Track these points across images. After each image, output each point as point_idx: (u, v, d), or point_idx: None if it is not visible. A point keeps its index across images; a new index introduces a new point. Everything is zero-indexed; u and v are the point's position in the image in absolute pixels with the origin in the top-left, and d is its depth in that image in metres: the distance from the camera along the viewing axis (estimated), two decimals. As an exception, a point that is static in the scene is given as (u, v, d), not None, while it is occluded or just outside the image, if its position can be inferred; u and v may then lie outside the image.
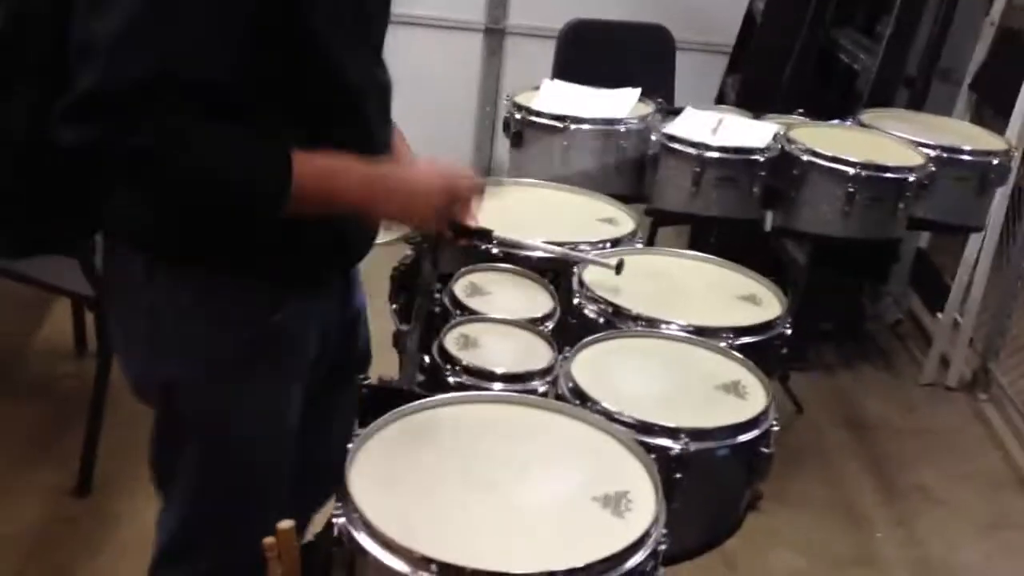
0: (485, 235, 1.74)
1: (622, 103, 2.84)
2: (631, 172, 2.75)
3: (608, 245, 2.01)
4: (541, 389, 1.57)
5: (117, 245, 1.57)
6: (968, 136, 2.98)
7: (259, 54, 1.35)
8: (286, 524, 1.27)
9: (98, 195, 1.50)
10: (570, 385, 1.55)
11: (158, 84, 1.28)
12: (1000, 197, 3.38)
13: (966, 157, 2.78)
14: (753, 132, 2.75)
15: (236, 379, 1.55)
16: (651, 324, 1.76)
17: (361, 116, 1.53)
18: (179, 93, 1.29)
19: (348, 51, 1.46)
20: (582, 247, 1.96)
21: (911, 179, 2.64)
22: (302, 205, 1.39)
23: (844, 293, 3.87)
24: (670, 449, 1.45)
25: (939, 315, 3.81)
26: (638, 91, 2.91)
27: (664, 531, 1.24)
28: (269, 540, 1.26)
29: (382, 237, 1.70)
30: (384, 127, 1.62)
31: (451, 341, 1.64)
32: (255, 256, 1.49)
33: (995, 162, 2.79)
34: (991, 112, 3.76)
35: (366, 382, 1.55)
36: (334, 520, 1.21)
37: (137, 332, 1.57)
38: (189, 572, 1.67)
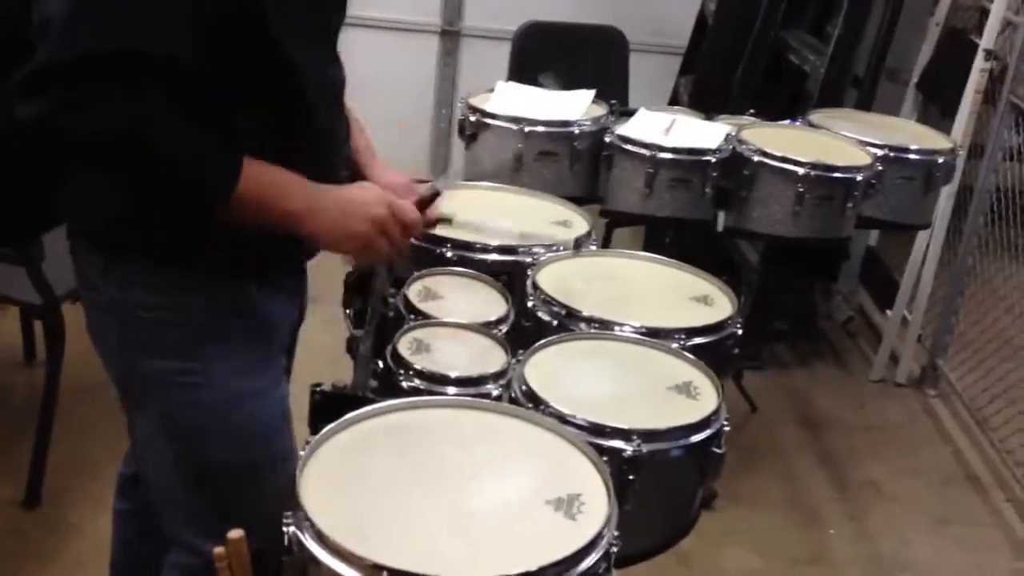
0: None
1: (576, 105, 2.85)
2: (585, 174, 2.76)
3: (562, 247, 2.02)
4: (495, 393, 1.57)
5: (79, 242, 1.56)
6: (915, 135, 3.02)
7: (215, 37, 1.35)
8: (236, 534, 1.27)
9: (56, 183, 1.49)
10: (523, 388, 1.55)
11: (114, 59, 1.27)
12: (946, 195, 3.43)
13: (913, 156, 2.82)
14: (705, 133, 2.77)
15: (210, 367, 1.55)
16: (604, 326, 1.77)
17: (311, 108, 1.52)
18: (137, 72, 1.28)
19: (299, 41, 1.45)
20: (536, 250, 1.97)
21: (859, 178, 2.67)
22: (244, 204, 1.39)
23: (796, 292, 3.91)
24: (623, 451, 1.46)
25: (888, 312, 3.86)
26: (592, 93, 2.92)
27: (616, 533, 1.25)
28: (219, 550, 1.25)
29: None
30: (337, 120, 1.62)
31: (404, 346, 1.64)
32: (211, 250, 1.49)
33: (941, 161, 2.83)
34: (937, 111, 3.81)
35: (319, 388, 1.55)
36: (285, 528, 1.20)
37: (108, 329, 1.57)
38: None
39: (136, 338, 1.54)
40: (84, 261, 1.55)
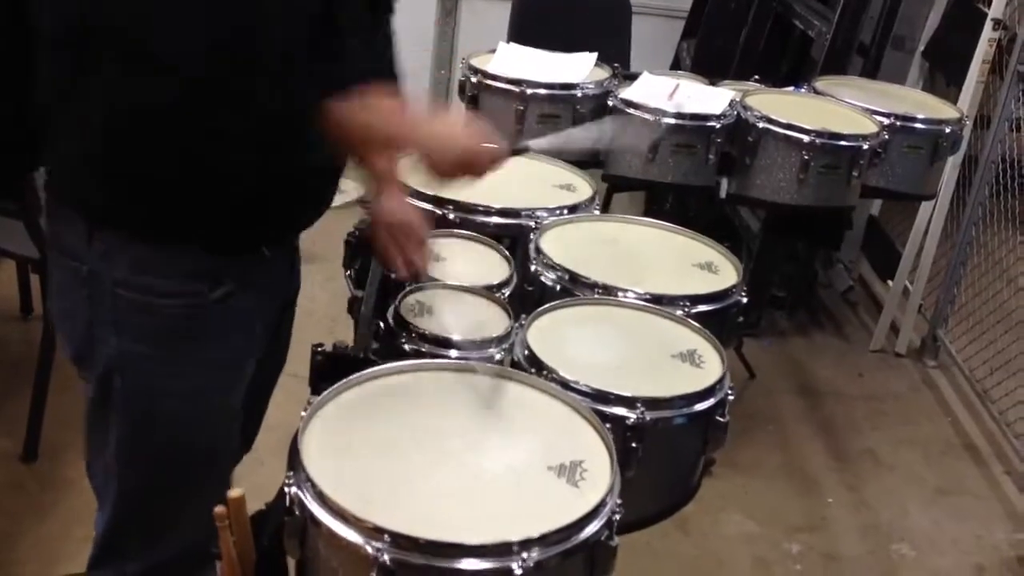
0: None
1: (579, 67, 2.82)
2: (587, 137, 2.74)
3: (566, 211, 2.00)
4: (497, 357, 1.56)
5: (60, 207, 1.50)
6: (921, 104, 2.99)
7: None
8: (236, 493, 1.25)
9: (43, 141, 1.46)
10: (526, 353, 1.54)
11: None
12: (952, 166, 3.41)
13: (919, 125, 2.80)
14: (709, 98, 2.74)
15: (173, 356, 1.48)
16: (608, 292, 1.75)
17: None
18: None
19: None
20: (539, 214, 1.95)
21: (865, 147, 2.65)
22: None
23: (797, 260, 3.89)
24: (626, 418, 1.45)
25: (889, 282, 3.84)
26: (594, 56, 2.89)
27: (619, 500, 1.24)
28: (220, 509, 1.24)
29: (337, 201, 1.67)
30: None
31: (406, 308, 1.62)
32: (194, 223, 1.43)
33: (947, 130, 2.81)
34: (943, 80, 3.78)
35: (321, 348, 1.53)
36: (286, 489, 1.19)
37: (77, 301, 1.50)
38: (118, 573, 1.63)
39: (107, 315, 1.47)
40: (66, 226, 1.47)
